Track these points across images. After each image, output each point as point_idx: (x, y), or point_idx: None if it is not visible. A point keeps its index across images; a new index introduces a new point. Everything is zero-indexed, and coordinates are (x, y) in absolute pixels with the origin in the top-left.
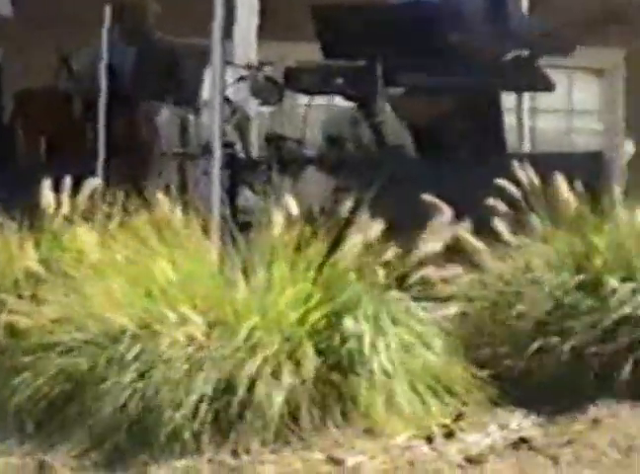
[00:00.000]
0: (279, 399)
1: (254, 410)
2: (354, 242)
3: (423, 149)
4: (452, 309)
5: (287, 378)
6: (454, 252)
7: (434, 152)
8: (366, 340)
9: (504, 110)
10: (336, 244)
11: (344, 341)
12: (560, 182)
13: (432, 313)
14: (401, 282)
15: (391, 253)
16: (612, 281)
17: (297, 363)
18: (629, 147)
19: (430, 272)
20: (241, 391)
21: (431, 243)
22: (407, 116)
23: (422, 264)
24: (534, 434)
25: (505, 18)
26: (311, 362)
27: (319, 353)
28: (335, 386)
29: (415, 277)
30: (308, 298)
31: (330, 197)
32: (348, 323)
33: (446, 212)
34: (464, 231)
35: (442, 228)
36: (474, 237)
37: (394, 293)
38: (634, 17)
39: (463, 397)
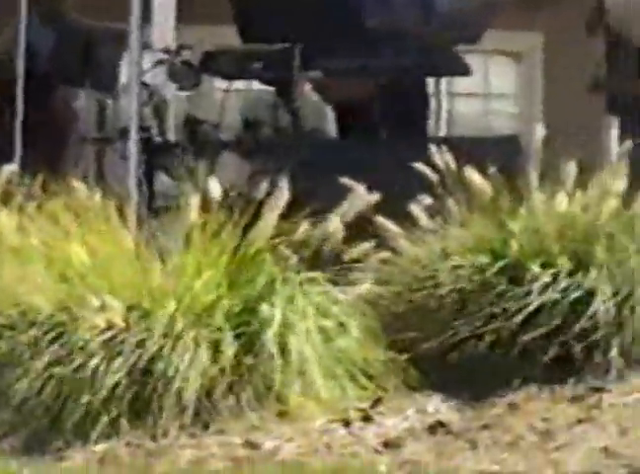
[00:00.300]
0: (196, 383)
1: (171, 394)
2: (267, 222)
3: (345, 132)
4: (364, 287)
5: (204, 363)
6: (370, 235)
7: (355, 135)
8: (275, 324)
9: (426, 93)
10: (251, 227)
11: (260, 325)
12: (476, 166)
13: (346, 294)
14: (313, 262)
15: (303, 230)
16: (534, 268)
17: (215, 348)
18: (539, 131)
19: (340, 248)
20: (158, 375)
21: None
22: (329, 98)
23: (333, 243)
24: (452, 417)
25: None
26: (229, 348)
27: (236, 337)
28: (251, 370)
29: (326, 256)
30: (220, 283)
31: (246, 180)
32: (261, 307)
33: (362, 194)
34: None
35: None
36: (390, 221)
37: (309, 274)
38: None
39: (381, 381)
